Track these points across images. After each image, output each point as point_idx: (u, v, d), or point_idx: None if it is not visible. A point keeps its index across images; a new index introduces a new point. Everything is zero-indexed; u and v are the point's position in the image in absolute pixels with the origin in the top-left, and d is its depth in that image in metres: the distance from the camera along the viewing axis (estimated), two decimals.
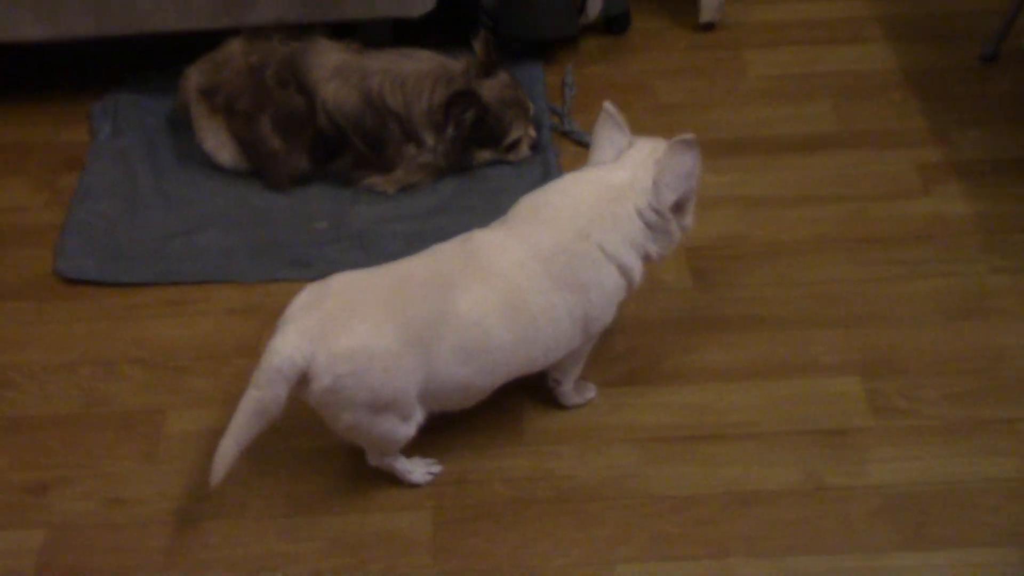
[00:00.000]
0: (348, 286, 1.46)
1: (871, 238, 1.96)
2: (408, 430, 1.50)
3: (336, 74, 2.05)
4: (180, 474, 1.66)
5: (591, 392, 1.71)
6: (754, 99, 2.29)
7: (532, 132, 2.14)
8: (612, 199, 1.52)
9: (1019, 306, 1.81)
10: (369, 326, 1.40)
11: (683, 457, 1.63)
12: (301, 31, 2.15)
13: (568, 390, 1.68)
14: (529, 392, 1.71)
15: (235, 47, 2.13)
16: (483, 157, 2.12)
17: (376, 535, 1.57)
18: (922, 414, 1.66)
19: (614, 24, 2.46)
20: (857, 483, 1.58)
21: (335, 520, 1.59)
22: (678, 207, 1.54)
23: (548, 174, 2.10)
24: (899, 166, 2.10)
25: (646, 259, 1.57)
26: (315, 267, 1.95)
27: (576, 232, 1.50)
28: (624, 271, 1.53)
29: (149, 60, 2.38)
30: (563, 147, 2.20)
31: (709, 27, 2.47)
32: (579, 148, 2.18)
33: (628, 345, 1.80)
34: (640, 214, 1.52)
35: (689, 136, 1.49)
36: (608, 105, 1.57)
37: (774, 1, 2.55)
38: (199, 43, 2.17)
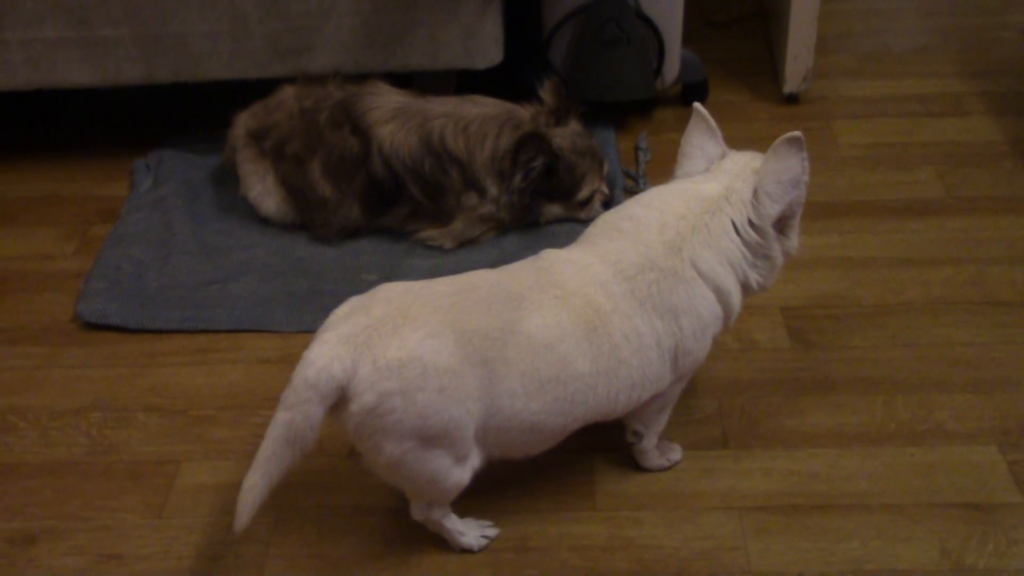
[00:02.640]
0: (400, 293, 1.24)
1: (994, 300, 1.71)
2: (462, 475, 1.25)
3: (395, 116, 1.89)
4: (190, 530, 1.41)
5: (677, 453, 1.45)
6: (849, 166, 2.09)
7: (605, 189, 1.95)
8: (706, 211, 1.30)
9: None
10: (424, 336, 1.17)
11: (791, 529, 1.35)
12: (358, 79, 2.01)
13: (650, 448, 1.42)
14: (602, 450, 1.46)
15: (288, 92, 1.99)
16: (552, 212, 1.92)
17: None
18: None
19: (691, 94, 2.31)
20: (1007, 566, 1.28)
21: None
22: (781, 223, 1.32)
23: None
24: (1018, 232, 1.87)
25: (745, 289, 1.33)
26: None
27: (666, 246, 1.28)
28: (721, 295, 1.30)
29: (199, 117, 2.25)
30: None
31: (793, 99, 2.30)
32: None
33: (719, 406, 1.54)
34: (738, 229, 1.30)
35: (796, 134, 1.28)
36: (698, 106, 1.37)
37: (861, 76, 2.40)
38: (254, 93, 2.03)
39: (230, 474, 1.48)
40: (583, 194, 1.91)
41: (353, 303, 1.24)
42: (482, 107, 1.91)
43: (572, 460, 1.44)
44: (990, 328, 1.65)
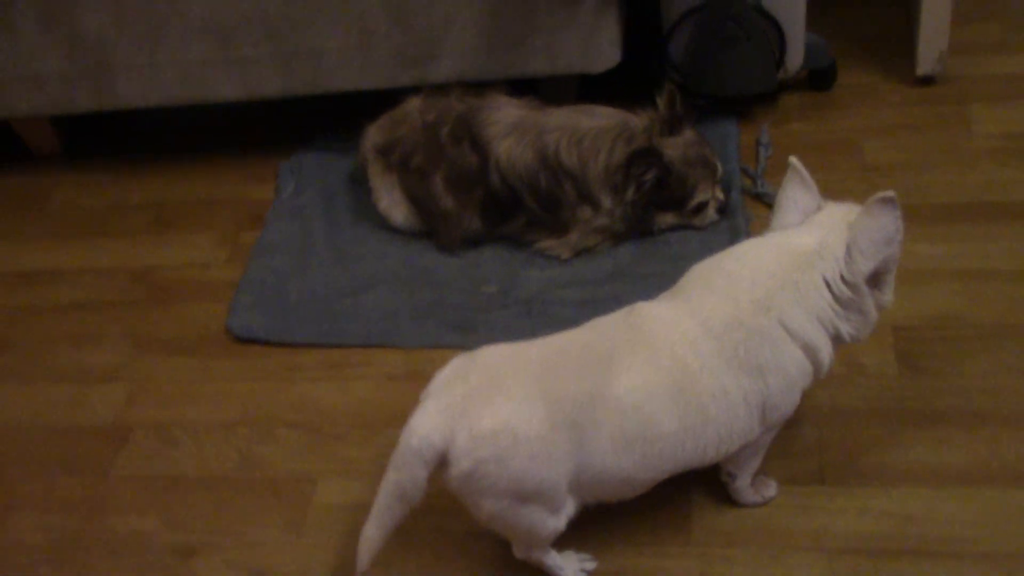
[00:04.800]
0: (496, 358, 1.34)
1: None
2: (557, 523, 1.35)
3: (512, 130, 1.95)
4: (324, 549, 1.58)
5: (771, 490, 1.51)
6: (980, 159, 2.02)
7: (720, 195, 1.97)
8: (796, 267, 1.33)
9: None
10: (516, 405, 1.27)
11: (883, 575, 1.39)
12: (481, 88, 2.08)
13: (744, 486, 1.48)
14: (700, 484, 1.52)
15: (413, 104, 2.08)
16: (666, 221, 1.96)
17: None
18: None
19: (818, 79, 2.26)
20: None
21: None
22: (875, 279, 1.33)
23: (736, 240, 1.90)
24: None
25: (836, 340, 1.36)
26: (479, 333, 1.85)
27: (754, 304, 1.31)
28: (810, 352, 1.33)
29: (336, 120, 2.37)
30: (755, 211, 2.01)
31: (928, 81, 2.22)
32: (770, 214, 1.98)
33: (819, 437, 1.57)
34: (829, 285, 1.32)
35: (890, 193, 1.28)
36: (794, 160, 1.38)
37: (1006, 49, 2.27)
38: (383, 100, 2.14)
39: (359, 494, 1.63)
40: (695, 202, 1.93)
41: (455, 366, 1.35)
42: (596, 119, 1.95)
43: (671, 492, 1.51)
44: None
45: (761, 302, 1.31)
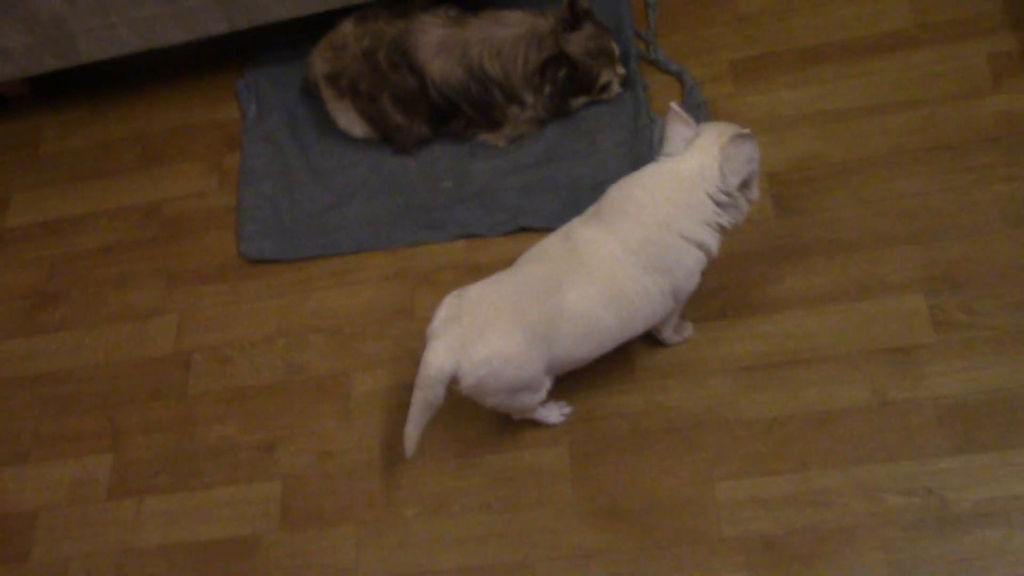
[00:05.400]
0: (478, 300, 1.81)
1: (941, 145, 2.13)
2: (541, 396, 1.89)
3: (439, 51, 2.30)
4: (371, 428, 2.12)
5: (689, 331, 2.04)
6: None
7: (621, 70, 2.36)
8: (685, 189, 1.78)
9: None
10: (500, 335, 1.76)
11: (769, 383, 1.97)
12: (404, 4, 2.39)
13: (669, 333, 2.02)
14: (637, 336, 2.05)
15: (348, 29, 2.40)
16: (579, 102, 2.36)
17: (527, 469, 2.00)
18: (978, 326, 1.92)
19: None
20: (916, 396, 1.89)
21: (494, 458, 2.03)
22: (744, 186, 1.79)
23: (639, 109, 2.34)
24: (971, 60, 2.21)
25: (721, 231, 1.84)
26: (448, 229, 2.31)
27: (658, 224, 1.78)
28: (703, 248, 1.82)
29: (278, 34, 2.66)
30: (651, 77, 2.40)
31: None
32: (666, 77, 2.39)
33: (719, 281, 2.09)
34: (711, 197, 1.79)
35: (746, 131, 1.73)
36: (674, 105, 1.80)
37: None
38: (319, 22, 2.44)
39: (386, 380, 2.16)
40: (601, 83, 2.33)
41: (449, 306, 1.82)
42: (510, 28, 2.29)
43: (618, 347, 2.05)
44: (933, 175, 2.10)
45: (663, 221, 1.78)
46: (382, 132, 2.43)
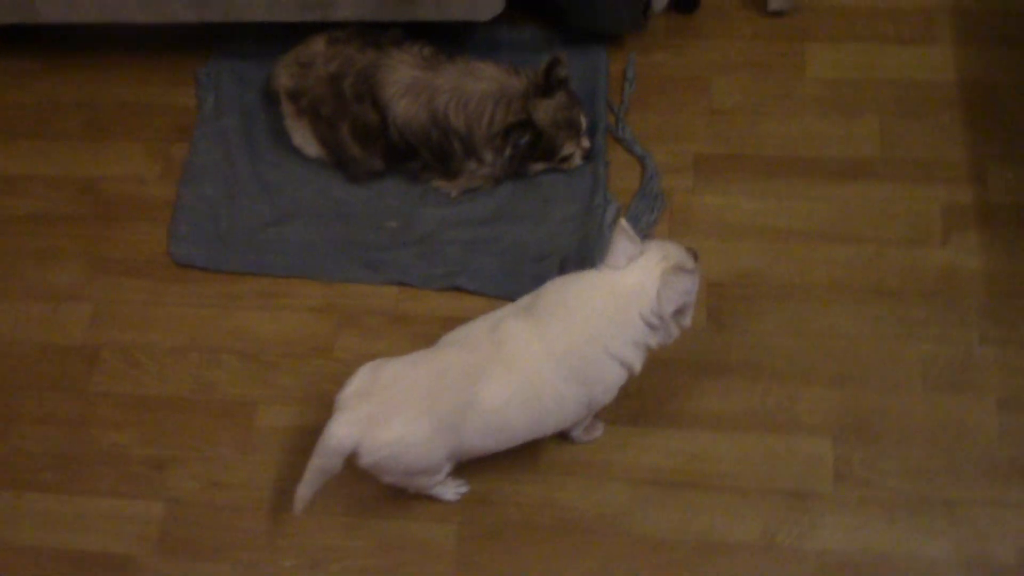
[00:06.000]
0: (393, 379, 1.79)
1: (881, 289, 2.14)
2: (439, 479, 1.88)
3: (407, 92, 2.25)
4: (267, 466, 2.09)
5: (599, 431, 2.04)
6: (806, 108, 2.38)
7: (585, 143, 2.32)
8: (619, 306, 1.77)
9: (996, 383, 2.01)
10: (406, 421, 1.74)
11: (666, 502, 1.98)
12: (379, 34, 2.33)
13: (578, 433, 2.01)
14: None
15: (318, 48, 2.33)
16: (538, 168, 2.33)
17: (414, 542, 1.99)
18: (877, 485, 1.95)
19: (683, 4, 2.53)
20: (803, 545, 1.91)
21: (383, 524, 2.01)
22: (678, 312, 1.79)
23: (597, 186, 2.31)
24: (927, 206, 2.22)
25: (648, 350, 1.84)
26: (384, 271, 2.27)
27: (587, 336, 1.77)
28: (626, 365, 1.81)
29: (248, 27, 2.57)
30: (615, 154, 2.37)
31: (777, 14, 2.51)
32: (629, 157, 2.36)
33: (639, 384, 2.07)
34: (643, 318, 1.77)
35: (689, 266, 1.71)
36: (622, 222, 1.78)
37: None
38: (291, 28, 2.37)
39: (292, 417, 2.13)
40: (562, 155, 2.30)
41: (362, 379, 1.80)
42: (481, 82, 2.25)
43: None
44: (866, 320, 2.11)
45: (591, 334, 1.77)
46: (336, 158, 2.37)
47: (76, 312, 2.32)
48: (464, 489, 2.02)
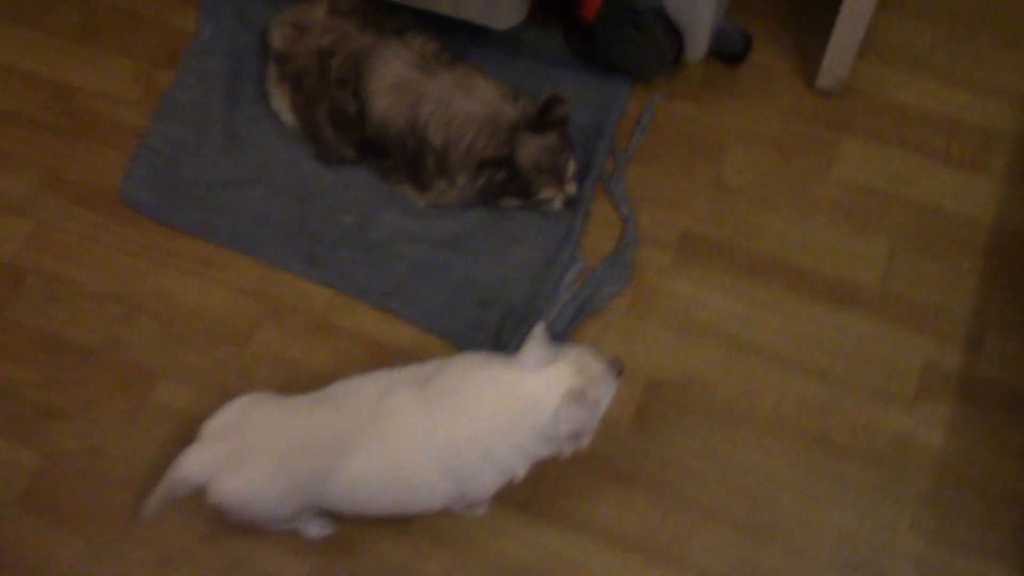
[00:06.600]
0: (262, 423, 1.69)
1: (825, 439, 1.96)
2: (295, 526, 1.80)
3: (392, 90, 2.08)
4: (149, 445, 2.01)
5: (481, 510, 1.92)
6: (818, 209, 2.16)
7: (570, 189, 2.14)
8: (514, 412, 1.63)
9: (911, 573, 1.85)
10: (258, 474, 1.65)
11: None
12: (383, 18, 2.15)
13: (460, 506, 1.90)
14: None
15: (318, 15, 2.16)
16: (511, 203, 2.16)
17: (264, 571, 1.91)
18: None
19: (727, 57, 2.29)
20: None
21: (239, 542, 1.90)
22: (573, 435, 1.65)
23: (569, 236, 2.14)
24: (908, 358, 2.01)
25: (535, 460, 1.71)
26: (324, 270, 2.15)
27: (470, 434, 1.64)
28: (506, 472, 1.69)
29: None
30: (598, 206, 2.18)
31: (825, 93, 2.26)
32: (613, 213, 2.17)
33: (540, 470, 1.93)
34: (535, 431, 1.64)
35: (601, 390, 1.59)
36: (538, 329, 1.62)
37: (922, 70, 2.26)
38: None
39: (188, 401, 2.04)
40: (538, 198, 2.12)
41: (232, 412, 1.70)
42: (471, 101, 2.06)
43: None
44: (798, 469, 1.94)
45: (476, 434, 1.64)
46: (309, 134, 2.22)
47: (15, 227, 2.24)
48: (329, 531, 1.93)
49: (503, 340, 2.05)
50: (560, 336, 2.06)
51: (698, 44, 2.12)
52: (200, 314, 2.14)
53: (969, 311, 2.04)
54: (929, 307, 2.05)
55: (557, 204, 2.15)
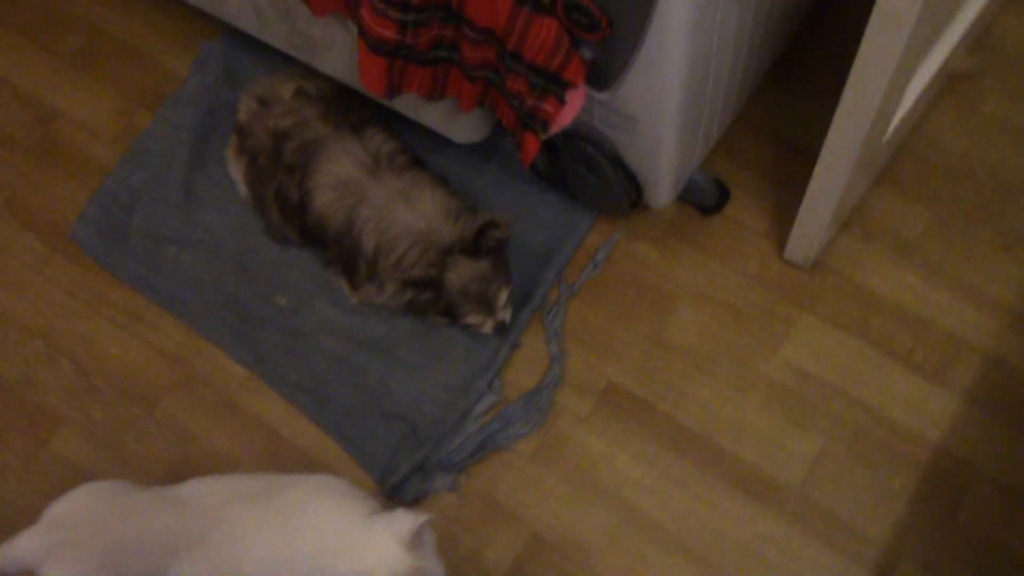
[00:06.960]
0: (101, 516, 1.67)
1: None
2: None
3: (335, 187, 2.03)
4: (36, 496, 2.01)
5: None
6: (756, 390, 2.03)
7: (502, 316, 2.06)
8: (336, 556, 1.59)
9: None
10: (83, 570, 1.63)
11: None
12: (347, 108, 2.11)
13: None
14: None
15: (285, 93, 2.13)
16: (439, 321, 2.09)
17: None
18: None
19: (701, 207, 2.18)
20: None
21: None
22: None
23: (491, 364, 2.07)
24: (810, 574, 1.89)
25: None
26: (245, 349, 2.12)
27: (291, 560, 1.61)
28: None
29: None
30: (530, 338, 2.10)
31: (792, 265, 2.12)
32: (542, 348, 2.09)
33: None
34: None
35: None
36: (423, 521, 1.56)
37: (907, 256, 2.10)
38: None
39: (83, 458, 2.04)
40: (464, 323, 2.05)
41: (75, 499, 1.69)
42: (411, 213, 1.99)
43: None
44: None
45: (294, 563, 1.61)
46: (258, 210, 2.20)
47: None
48: None
49: (396, 462, 1.99)
50: (457, 467, 2.00)
51: (659, 195, 2.01)
52: (118, 369, 2.14)
53: (887, 536, 1.90)
54: (846, 522, 1.92)
55: (487, 329, 2.07)
